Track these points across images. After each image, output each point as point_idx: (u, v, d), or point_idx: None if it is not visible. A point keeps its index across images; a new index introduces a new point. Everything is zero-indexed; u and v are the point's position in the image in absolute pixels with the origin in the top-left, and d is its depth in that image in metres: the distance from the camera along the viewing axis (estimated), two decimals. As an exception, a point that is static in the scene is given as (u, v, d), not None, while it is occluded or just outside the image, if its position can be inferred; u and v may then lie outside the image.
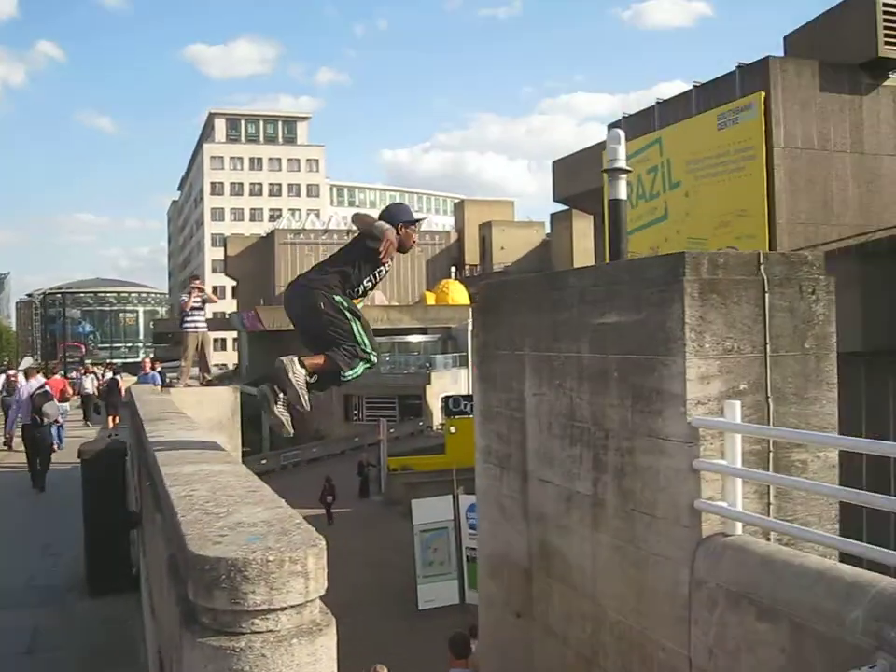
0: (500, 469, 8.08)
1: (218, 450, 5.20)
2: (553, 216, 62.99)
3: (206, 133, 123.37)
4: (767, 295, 5.66)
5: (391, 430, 45.06)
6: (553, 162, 33.96)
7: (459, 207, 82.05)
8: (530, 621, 7.59)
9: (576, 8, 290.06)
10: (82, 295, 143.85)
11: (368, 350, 5.19)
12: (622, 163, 7.37)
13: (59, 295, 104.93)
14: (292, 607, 2.46)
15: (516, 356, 7.57)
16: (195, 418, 8.94)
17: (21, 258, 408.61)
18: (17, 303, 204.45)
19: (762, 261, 5.70)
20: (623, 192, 7.54)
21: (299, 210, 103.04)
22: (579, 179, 28.54)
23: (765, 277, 5.68)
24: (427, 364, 55.18)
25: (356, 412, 55.27)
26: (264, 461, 44.06)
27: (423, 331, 62.83)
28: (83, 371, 39.27)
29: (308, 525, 3.02)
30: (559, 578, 7.11)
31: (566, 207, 42.33)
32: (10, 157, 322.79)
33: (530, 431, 7.41)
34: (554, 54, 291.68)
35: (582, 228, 50.17)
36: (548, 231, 69.62)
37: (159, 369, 20.00)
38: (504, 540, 8.14)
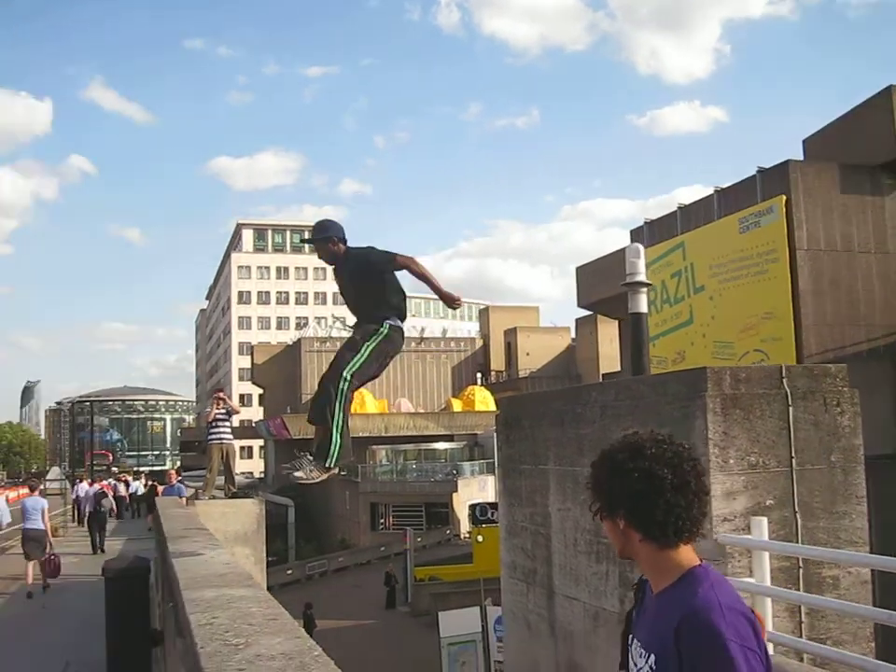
0: (526, 584, 7.95)
1: (240, 572, 5.15)
2: (577, 321, 63.24)
3: (234, 242, 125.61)
4: (791, 408, 5.62)
5: (418, 539, 44.57)
6: (577, 269, 34.29)
7: (484, 313, 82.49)
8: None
9: (593, 116, 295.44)
10: (110, 403, 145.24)
11: None
12: (641, 277, 7.41)
13: (87, 403, 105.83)
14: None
15: (540, 470, 7.51)
16: (220, 531, 8.91)
17: (51, 365, 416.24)
18: (46, 411, 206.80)
19: (784, 375, 5.67)
20: (643, 306, 7.56)
21: (325, 318, 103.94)
22: (602, 285, 28.66)
23: (788, 391, 5.64)
24: (454, 471, 54.62)
25: (382, 520, 54.66)
26: (289, 571, 43.58)
27: (449, 438, 62.51)
28: (118, 479, 46.52)
29: (326, 658, 2.98)
30: (588, 698, 6.93)
31: (590, 312, 42.51)
32: (43, 267, 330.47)
33: (555, 547, 7.31)
34: (573, 161, 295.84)
35: (608, 332, 50.30)
36: (573, 335, 69.81)
37: (179, 478, 20.60)
38: (532, 658, 7.97)
